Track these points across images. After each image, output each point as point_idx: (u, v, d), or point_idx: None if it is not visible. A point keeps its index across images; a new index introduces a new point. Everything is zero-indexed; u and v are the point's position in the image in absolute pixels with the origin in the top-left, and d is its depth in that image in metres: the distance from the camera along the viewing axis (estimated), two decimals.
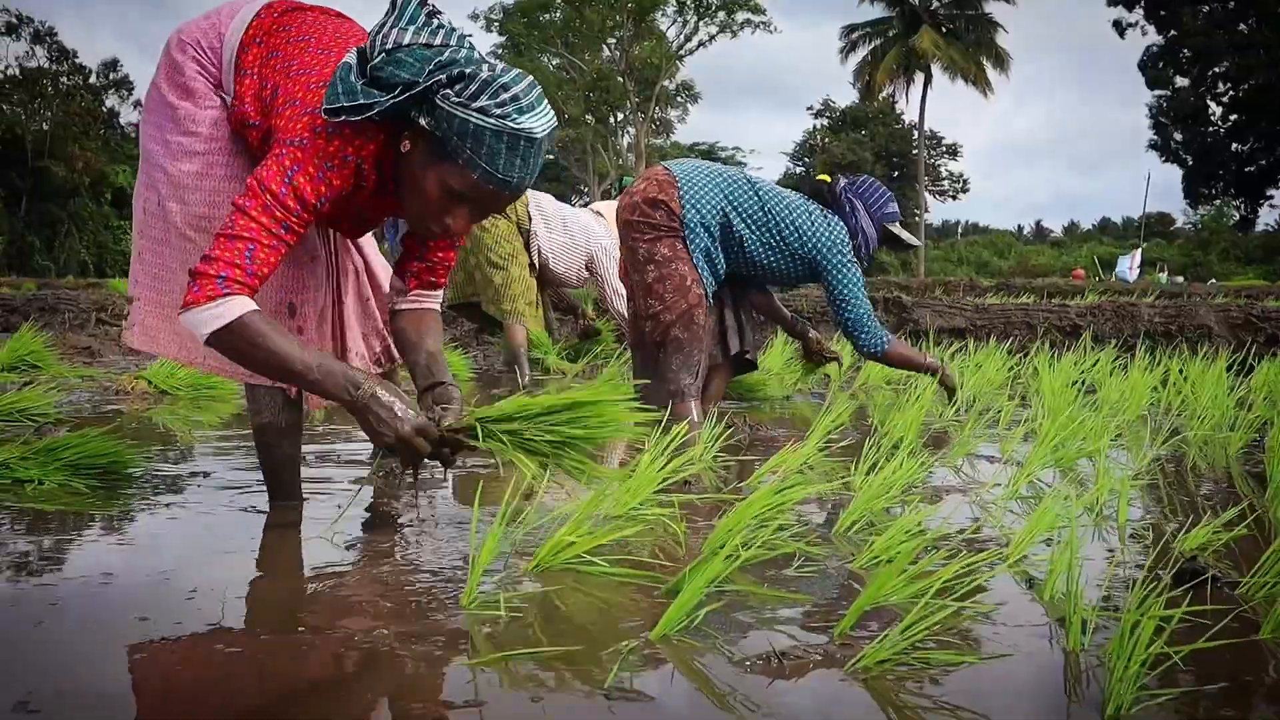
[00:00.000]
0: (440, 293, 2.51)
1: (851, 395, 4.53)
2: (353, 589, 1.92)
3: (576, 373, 6.31)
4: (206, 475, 2.90)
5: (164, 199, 2.31)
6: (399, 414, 2.13)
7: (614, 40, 41.87)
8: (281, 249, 2.10)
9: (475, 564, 1.88)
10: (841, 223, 3.73)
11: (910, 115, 53.62)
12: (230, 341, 2.07)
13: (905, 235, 3.86)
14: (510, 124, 2.01)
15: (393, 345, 2.61)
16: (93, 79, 40.06)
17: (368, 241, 2.64)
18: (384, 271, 2.63)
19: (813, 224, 3.68)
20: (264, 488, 2.62)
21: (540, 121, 2.04)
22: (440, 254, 2.48)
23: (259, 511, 2.49)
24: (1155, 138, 40.53)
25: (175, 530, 2.31)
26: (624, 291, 6.15)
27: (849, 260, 3.70)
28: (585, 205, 8.50)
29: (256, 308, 2.09)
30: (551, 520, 2.27)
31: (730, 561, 1.90)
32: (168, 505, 2.54)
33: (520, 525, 2.24)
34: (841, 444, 3.42)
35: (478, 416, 2.18)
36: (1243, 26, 36.58)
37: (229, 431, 3.77)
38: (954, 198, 55.44)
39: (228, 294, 2.06)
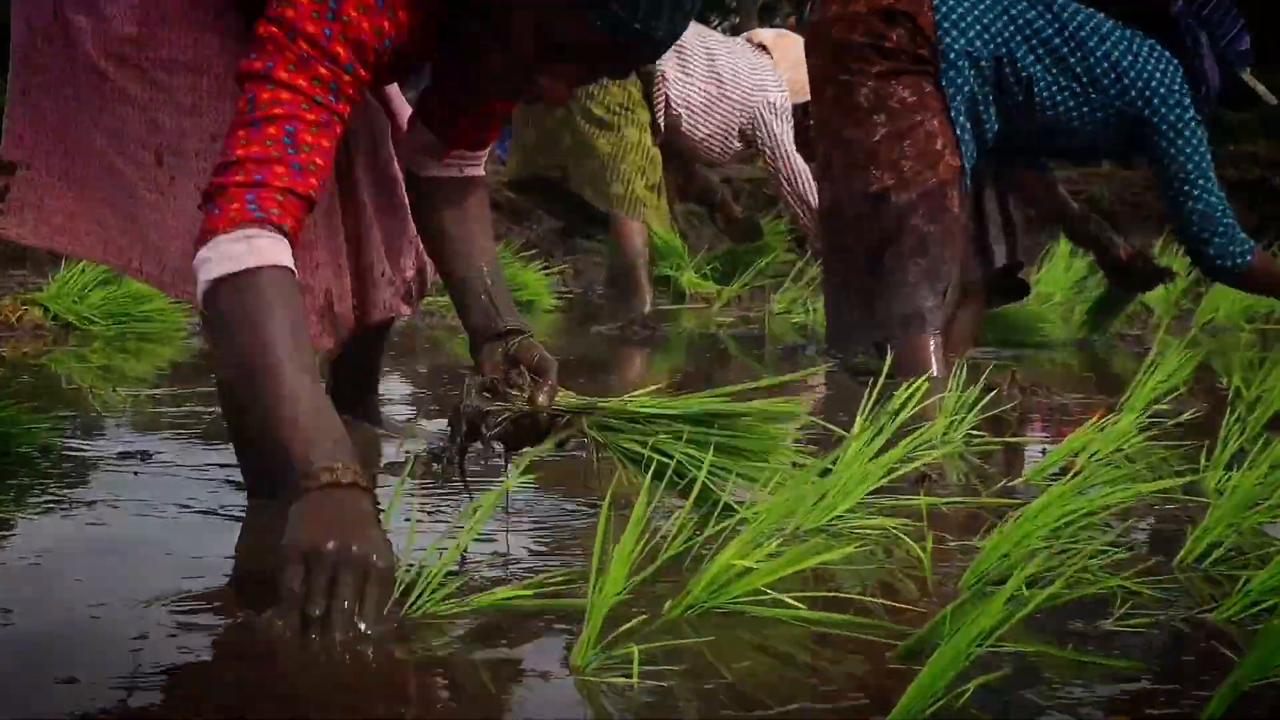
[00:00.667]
0: (487, 152, 2.49)
1: (1189, 341, 4.34)
2: (393, 655, 1.85)
3: (729, 299, 6.15)
4: (144, 457, 2.91)
5: (65, 7, 2.31)
6: (380, 543, 1.84)
7: None
8: (335, 128, 2.02)
9: (594, 604, 1.79)
10: (1177, 62, 3.50)
11: None
12: (229, 300, 1.93)
13: (1260, 88, 3.65)
14: None
15: (426, 262, 2.61)
16: None
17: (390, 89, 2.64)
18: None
19: (1138, 62, 3.54)
20: (238, 476, 2.60)
21: None
22: (502, 105, 2.45)
23: (230, 515, 2.48)
24: None
25: (98, 548, 2.25)
26: (805, 171, 5.93)
27: (1191, 119, 3.49)
28: (736, 33, 8.15)
29: (290, 263, 1.96)
30: (709, 535, 2.19)
31: (1010, 606, 1.79)
32: (88, 505, 2.51)
33: (661, 541, 2.15)
34: (1178, 419, 3.32)
35: (574, 406, 2.28)
36: None
37: (177, 389, 3.79)
38: None
39: (262, 220, 1.95)
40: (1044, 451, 2.93)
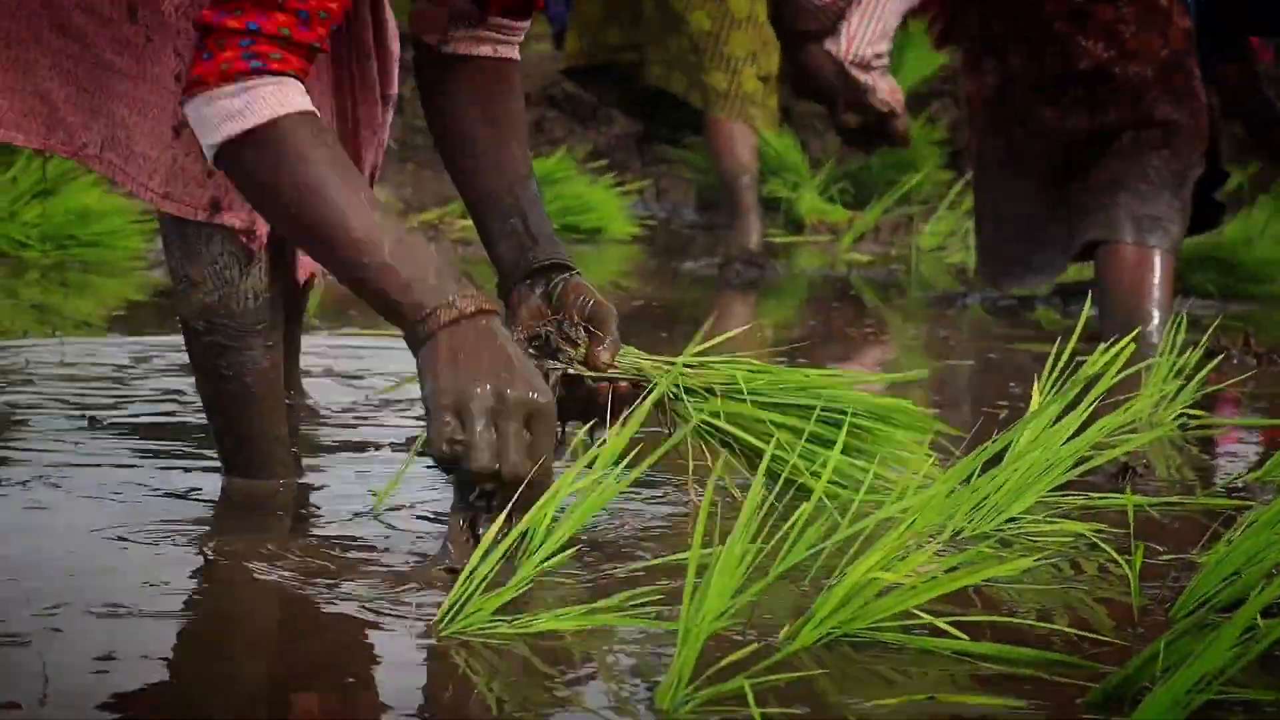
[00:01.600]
0: (529, 25, 2.53)
1: None
2: (426, 689, 1.88)
3: (864, 231, 6.13)
4: (93, 422, 2.99)
5: None
6: (531, 374, 2.15)
7: None
8: None
9: (689, 628, 1.78)
10: None
11: None
12: (250, 163, 2.16)
13: None
14: None
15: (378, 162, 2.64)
16: None
17: None
18: None
19: None
20: (211, 448, 2.68)
21: None
22: None
23: (201, 498, 2.55)
24: None
25: (37, 538, 2.32)
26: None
27: None
28: None
29: (308, 105, 2.17)
30: (839, 543, 2.17)
31: (1242, 642, 1.76)
32: (22, 485, 2.56)
33: (777, 546, 2.14)
34: None
35: (646, 371, 2.34)
36: None
37: (132, 339, 3.83)
38: None
39: (260, 70, 2.14)
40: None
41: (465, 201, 2.54)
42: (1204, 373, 3.17)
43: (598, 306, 2.38)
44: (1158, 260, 3.59)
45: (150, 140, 2.38)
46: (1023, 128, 3.77)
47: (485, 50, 2.52)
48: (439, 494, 2.59)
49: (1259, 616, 1.89)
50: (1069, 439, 2.45)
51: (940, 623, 1.95)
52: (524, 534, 2.10)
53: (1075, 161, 3.73)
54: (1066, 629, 2.04)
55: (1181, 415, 3.05)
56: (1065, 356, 2.82)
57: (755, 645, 1.90)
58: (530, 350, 2.35)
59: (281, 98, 2.13)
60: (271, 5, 2.11)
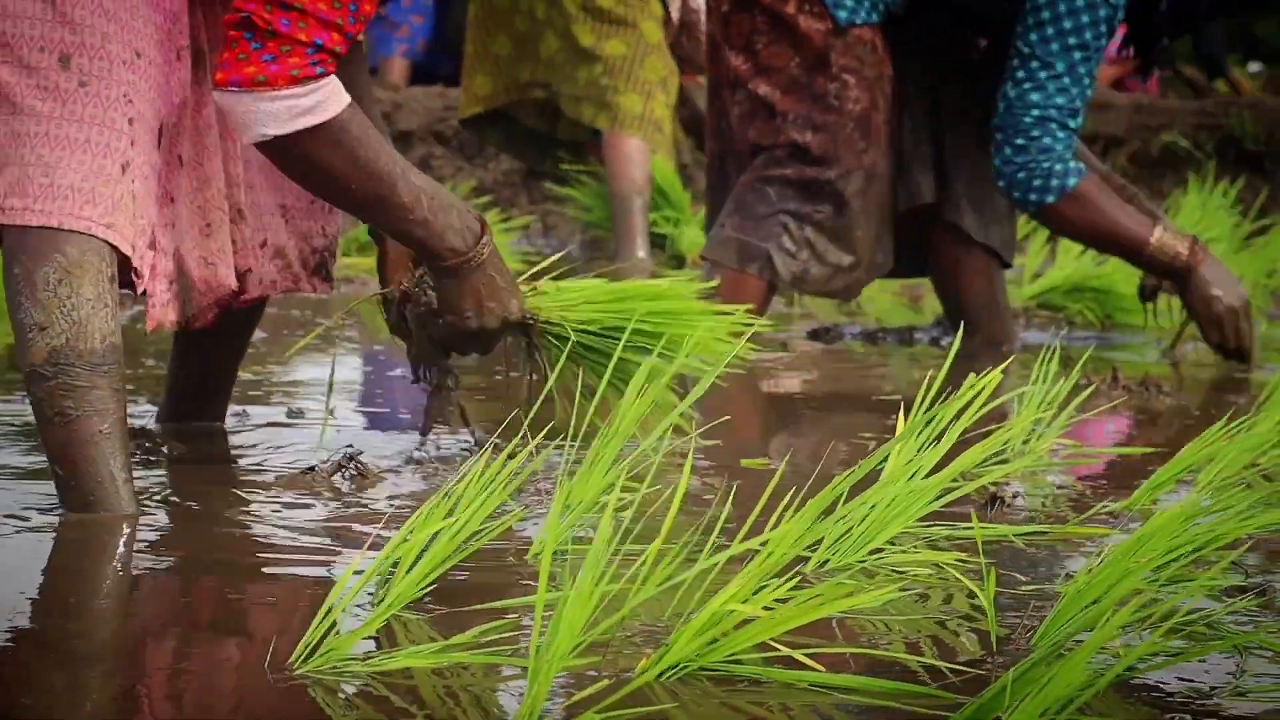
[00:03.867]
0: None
1: None
2: None
3: None
4: None
5: None
6: (512, 285, 2.91)
7: None
8: None
9: (538, 664, 1.78)
10: None
11: None
12: (310, 151, 2.62)
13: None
14: None
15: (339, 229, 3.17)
16: None
17: None
18: None
19: None
20: (47, 480, 2.70)
21: None
22: None
23: (35, 527, 2.55)
24: None
25: None
26: None
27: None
28: None
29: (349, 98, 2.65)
30: (700, 574, 2.16)
31: (1095, 668, 1.81)
32: None
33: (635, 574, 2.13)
34: None
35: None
36: None
37: None
38: None
39: (323, 75, 2.57)
40: (1151, 465, 2.93)
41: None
42: (1075, 403, 3.17)
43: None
44: (752, 288, 3.65)
45: (86, 174, 2.54)
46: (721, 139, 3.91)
47: None
48: (293, 535, 2.58)
49: (1124, 633, 1.97)
50: (934, 469, 2.45)
51: (798, 654, 1.94)
52: (384, 572, 2.09)
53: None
54: (931, 660, 2.04)
55: (1052, 445, 3.05)
56: (935, 387, 2.83)
57: (606, 681, 1.90)
58: (409, 301, 2.94)
59: (340, 96, 2.60)
60: (331, 25, 2.53)
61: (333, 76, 2.58)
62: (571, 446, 2.50)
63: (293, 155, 2.62)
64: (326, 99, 2.58)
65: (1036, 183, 3.74)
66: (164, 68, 2.70)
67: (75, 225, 2.54)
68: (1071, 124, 3.78)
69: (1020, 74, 3.73)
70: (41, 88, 2.56)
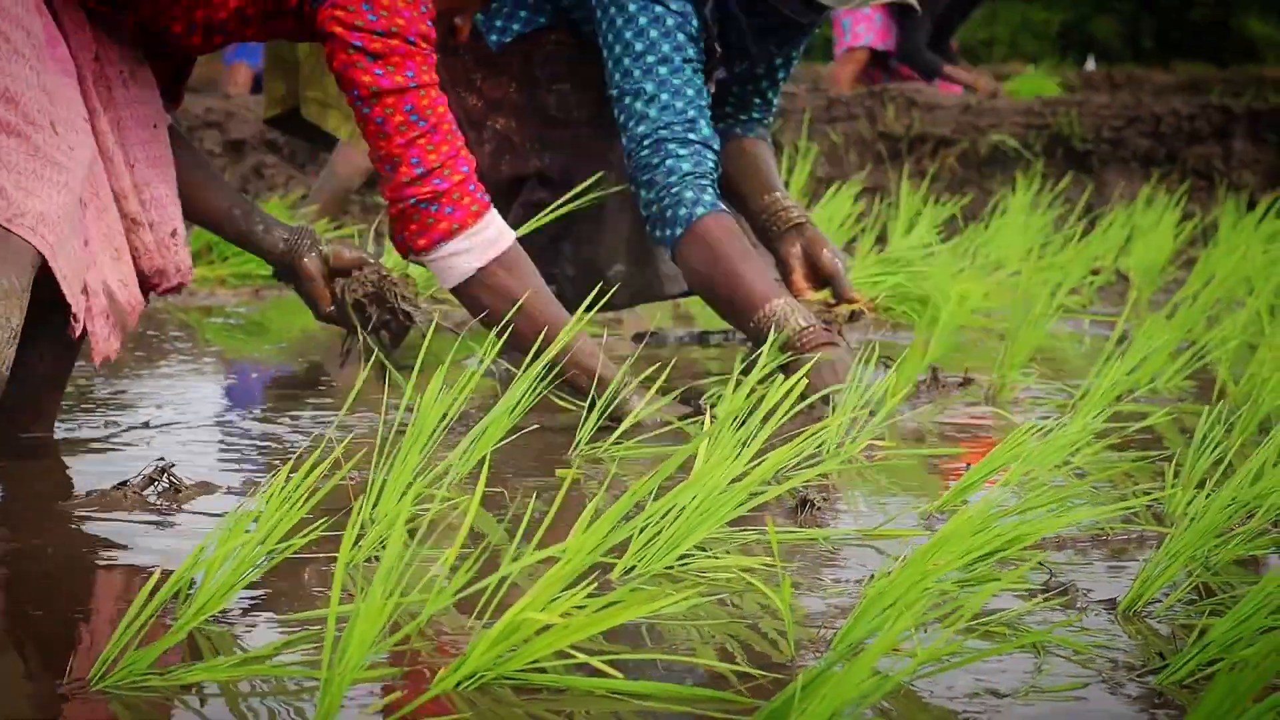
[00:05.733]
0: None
1: (1169, 319, 4.37)
2: None
3: None
4: None
5: None
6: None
7: None
8: None
9: (330, 677, 1.76)
10: None
11: None
12: (497, 280, 3.12)
13: None
14: None
15: None
16: None
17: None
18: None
19: None
20: None
21: None
22: None
23: None
24: None
25: None
26: None
27: None
28: None
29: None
30: (499, 582, 2.15)
31: (883, 672, 1.81)
32: None
33: (431, 583, 2.10)
34: (1146, 421, 3.36)
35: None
36: None
37: None
38: None
39: (490, 204, 3.10)
40: (968, 466, 2.93)
41: (213, 224, 3.25)
42: (892, 404, 3.19)
43: (358, 253, 3.35)
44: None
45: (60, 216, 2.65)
46: None
47: (169, 121, 3.11)
48: (100, 550, 2.56)
49: (916, 635, 1.97)
50: (744, 472, 2.44)
51: (595, 661, 1.93)
52: (182, 587, 2.07)
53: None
54: (732, 665, 2.04)
55: (868, 446, 3.06)
56: (746, 389, 2.84)
57: (399, 693, 1.89)
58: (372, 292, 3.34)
59: (504, 224, 3.11)
60: (459, 153, 3.01)
61: (494, 209, 3.09)
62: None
63: (485, 288, 3.08)
64: (501, 227, 3.08)
65: (668, 214, 3.52)
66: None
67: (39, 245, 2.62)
68: (692, 136, 3.60)
69: (622, 119, 3.59)
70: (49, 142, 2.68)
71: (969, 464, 2.98)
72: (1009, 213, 6.26)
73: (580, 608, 1.97)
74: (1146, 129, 7.84)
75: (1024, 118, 7.78)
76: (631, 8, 3.53)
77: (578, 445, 3.08)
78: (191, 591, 2.08)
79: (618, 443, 3.06)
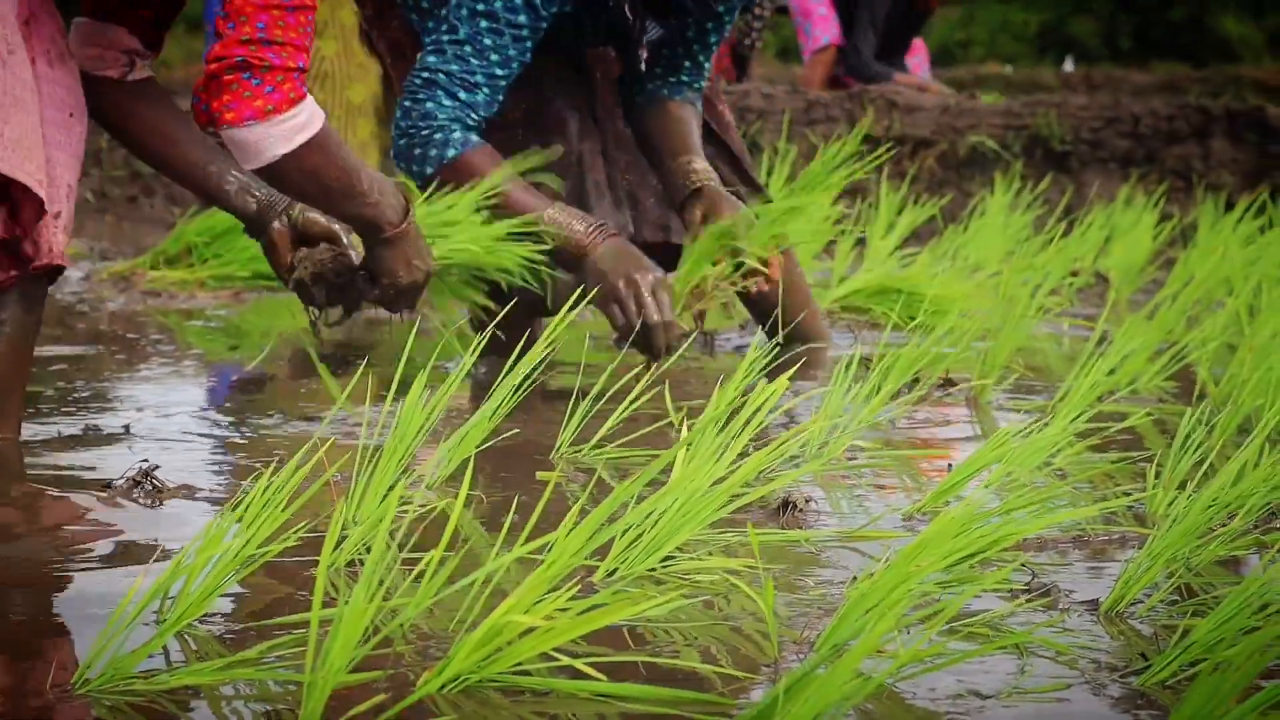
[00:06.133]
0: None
1: (1150, 319, 4.36)
2: None
3: None
4: None
5: None
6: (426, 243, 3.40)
7: None
8: None
9: (313, 681, 1.77)
10: None
11: None
12: (306, 161, 3.05)
13: None
14: None
15: None
16: None
17: None
18: None
19: None
20: None
21: None
22: None
23: None
24: None
25: None
26: None
27: None
28: None
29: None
30: (482, 584, 2.14)
31: (867, 674, 1.81)
32: None
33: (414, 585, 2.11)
34: (1127, 422, 3.35)
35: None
36: None
37: None
38: None
39: (307, 93, 3.03)
40: (950, 466, 2.94)
41: (186, 180, 3.28)
42: (873, 405, 3.19)
43: (327, 225, 3.38)
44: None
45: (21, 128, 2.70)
46: None
47: (148, 73, 3.18)
48: (83, 552, 2.55)
49: (899, 637, 1.98)
50: (727, 473, 2.43)
51: (579, 664, 1.92)
52: (165, 590, 2.07)
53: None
54: (715, 667, 2.04)
55: (850, 447, 3.06)
56: (732, 391, 2.83)
57: (382, 696, 1.88)
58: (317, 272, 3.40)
59: (317, 109, 3.05)
60: (303, 49, 2.94)
61: (311, 97, 3.03)
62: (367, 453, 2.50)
63: (293, 168, 3.02)
64: (313, 113, 3.02)
65: (416, 151, 3.60)
66: None
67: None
68: (463, 96, 3.68)
69: (428, 40, 3.68)
70: None
71: (950, 465, 2.99)
72: (988, 214, 6.26)
73: (564, 610, 1.96)
74: (1125, 130, 7.83)
75: (1003, 119, 7.78)
76: None
77: (560, 448, 3.08)
78: (174, 595, 2.07)
79: (600, 446, 3.06)
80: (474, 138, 3.63)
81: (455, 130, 3.61)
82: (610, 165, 4.00)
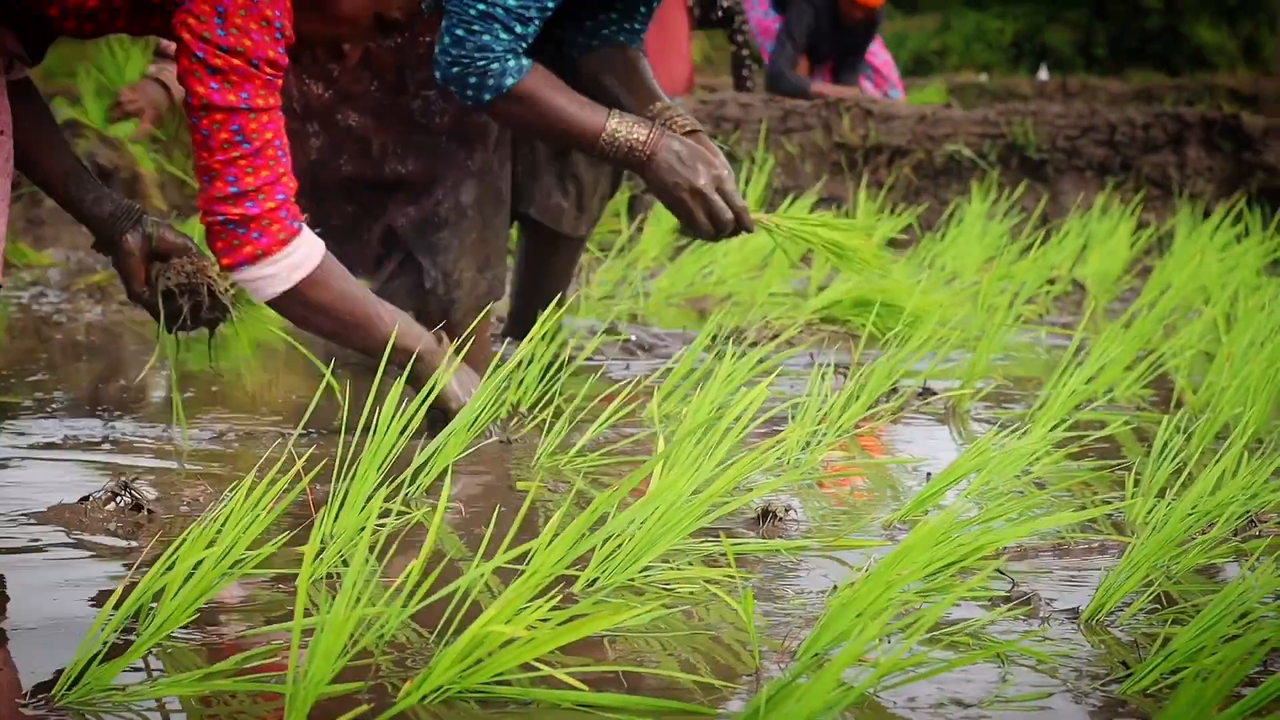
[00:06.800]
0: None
1: (1127, 328, 4.34)
2: None
3: None
4: None
5: None
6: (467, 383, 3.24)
7: None
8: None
9: (295, 692, 1.78)
10: None
11: None
12: (308, 296, 3.08)
13: None
14: None
15: None
16: None
17: None
18: None
19: None
20: None
21: None
22: None
23: None
24: None
25: None
26: None
27: None
28: None
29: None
30: (462, 595, 2.15)
31: (848, 683, 1.84)
32: None
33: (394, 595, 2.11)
34: (1105, 431, 3.34)
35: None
36: None
37: None
38: None
39: (299, 227, 3.04)
40: (929, 475, 2.94)
41: (45, 185, 3.13)
42: (848, 415, 3.19)
43: (181, 239, 3.15)
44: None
45: None
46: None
47: (25, 75, 3.07)
48: (63, 564, 2.55)
49: (879, 646, 1.99)
50: (706, 483, 2.43)
51: (560, 674, 1.94)
52: (145, 602, 2.06)
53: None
54: (698, 677, 2.04)
55: (828, 456, 3.06)
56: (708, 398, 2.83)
57: (364, 707, 1.88)
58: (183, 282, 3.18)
59: (315, 241, 3.06)
60: (278, 178, 2.97)
61: (304, 226, 3.04)
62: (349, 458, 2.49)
63: (297, 304, 3.06)
64: (310, 249, 3.04)
65: (472, 80, 3.58)
66: None
67: None
68: (518, 29, 3.65)
69: None
70: None
71: (929, 474, 2.99)
72: (965, 222, 6.24)
73: (544, 620, 1.97)
74: (1101, 138, 7.81)
75: (979, 127, 7.76)
76: None
77: (539, 459, 3.07)
78: (154, 606, 2.06)
79: (580, 456, 3.06)
80: (525, 62, 3.61)
81: (510, 59, 3.60)
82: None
